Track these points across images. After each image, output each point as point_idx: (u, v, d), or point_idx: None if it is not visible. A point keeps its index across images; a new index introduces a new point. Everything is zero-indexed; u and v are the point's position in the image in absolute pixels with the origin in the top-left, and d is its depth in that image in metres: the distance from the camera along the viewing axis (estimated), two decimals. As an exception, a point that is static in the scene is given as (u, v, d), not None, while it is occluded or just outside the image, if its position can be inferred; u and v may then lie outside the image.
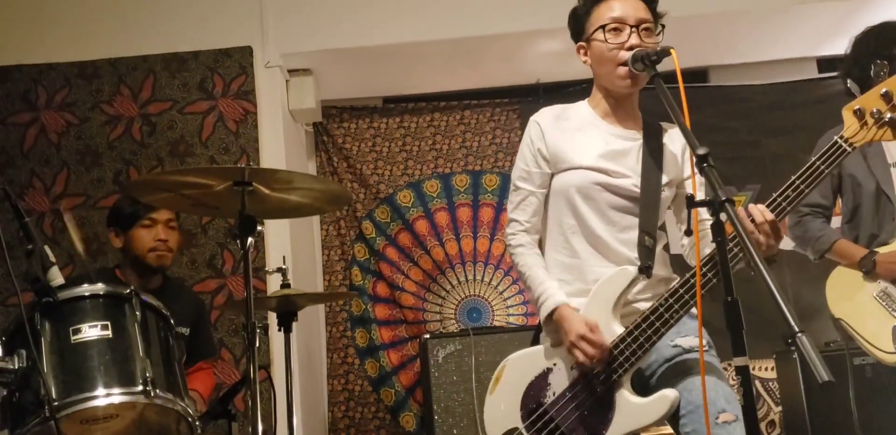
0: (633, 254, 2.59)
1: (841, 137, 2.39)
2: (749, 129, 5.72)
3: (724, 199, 2.00)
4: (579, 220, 2.62)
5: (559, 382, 2.58)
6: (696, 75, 5.96)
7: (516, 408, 2.62)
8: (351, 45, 5.20)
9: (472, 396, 4.72)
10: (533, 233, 2.70)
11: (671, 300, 2.42)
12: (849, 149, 2.39)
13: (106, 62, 4.94)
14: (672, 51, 2.39)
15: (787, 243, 5.01)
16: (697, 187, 2.30)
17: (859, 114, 2.37)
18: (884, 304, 3.40)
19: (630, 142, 2.66)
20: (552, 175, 2.68)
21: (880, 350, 3.35)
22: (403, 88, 5.97)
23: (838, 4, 5.22)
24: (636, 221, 2.60)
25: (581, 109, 2.75)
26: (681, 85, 2.26)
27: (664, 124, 2.74)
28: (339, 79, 5.61)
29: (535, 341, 2.76)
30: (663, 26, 2.64)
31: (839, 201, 3.74)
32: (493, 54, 5.54)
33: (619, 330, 2.48)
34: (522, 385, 2.63)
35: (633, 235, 2.60)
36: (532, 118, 2.75)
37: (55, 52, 4.94)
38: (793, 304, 4.33)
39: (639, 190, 2.60)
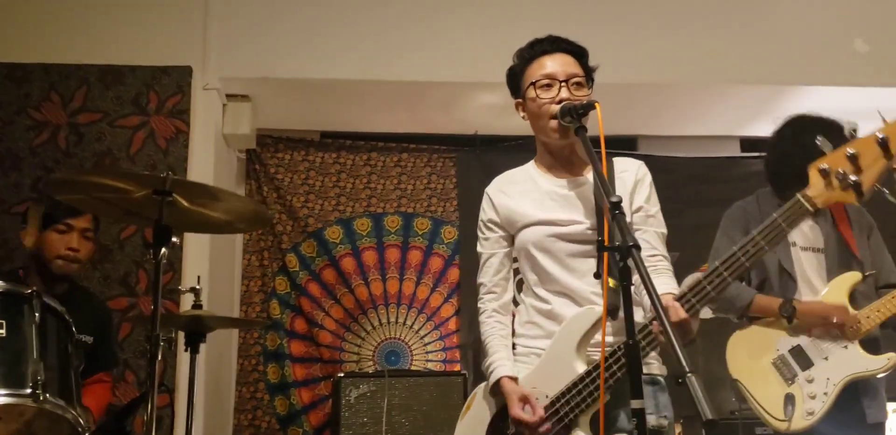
0: (599, 296, 2.58)
1: (804, 196, 2.32)
2: (671, 199, 5.72)
3: (631, 244, 2.10)
4: (542, 273, 2.67)
5: None
6: (625, 143, 6.07)
7: None
8: (291, 76, 5.18)
9: (381, 440, 4.61)
10: (499, 291, 2.78)
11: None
12: (810, 208, 2.31)
13: (38, 67, 4.81)
14: (597, 104, 2.47)
15: (704, 312, 5.10)
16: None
17: (825, 173, 2.27)
18: (780, 371, 3.48)
19: (578, 188, 2.71)
20: (512, 236, 2.75)
21: (771, 416, 3.42)
22: (342, 125, 5.95)
23: (760, 88, 5.44)
24: (595, 262, 2.61)
25: (528, 169, 2.83)
26: (601, 136, 2.35)
27: (617, 159, 2.77)
28: (277, 108, 5.57)
29: None
30: (593, 79, 2.72)
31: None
32: (432, 101, 5.58)
33: (581, 369, 2.49)
34: (488, 416, 2.67)
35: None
36: (485, 190, 2.85)
37: (-16, 51, 4.83)
38: (703, 371, 4.39)
39: (593, 233, 2.62)
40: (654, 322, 2.36)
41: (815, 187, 2.31)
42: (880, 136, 2.24)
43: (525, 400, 2.53)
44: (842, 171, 2.25)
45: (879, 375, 3.39)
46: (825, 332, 3.44)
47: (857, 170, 2.25)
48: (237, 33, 5.11)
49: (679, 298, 2.40)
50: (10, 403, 2.44)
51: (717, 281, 2.36)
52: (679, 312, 2.32)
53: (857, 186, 2.25)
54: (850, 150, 2.24)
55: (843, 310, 3.41)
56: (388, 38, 5.19)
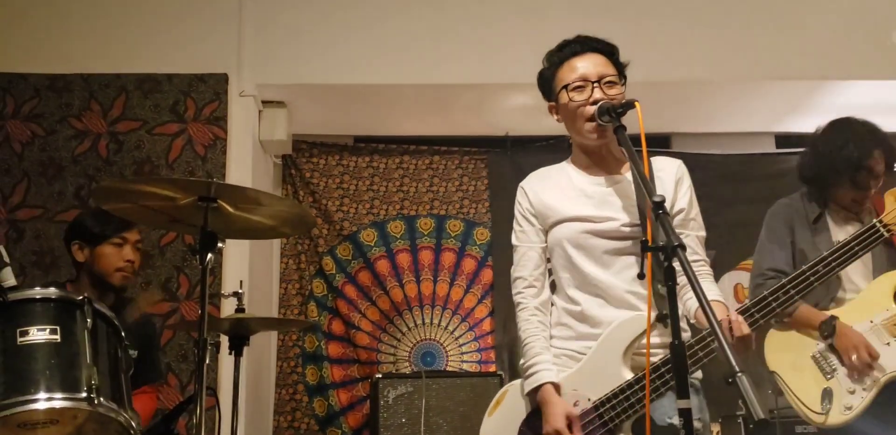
0: (634, 295, 2.59)
1: (880, 221, 2.58)
2: (706, 197, 5.70)
3: (676, 244, 2.06)
4: (575, 270, 2.66)
5: None
6: (658, 141, 6.05)
7: (512, 433, 2.64)
8: (325, 82, 5.23)
9: (420, 440, 4.65)
10: (539, 286, 2.74)
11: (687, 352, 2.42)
12: (885, 233, 2.56)
13: (78, 77, 4.89)
14: (637, 103, 2.47)
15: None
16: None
17: None
18: (820, 364, 3.44)
19: (615, 185, 2.70)
20: (546, 232, 2.74)
21: (809, 409, 3.38)
22: (374, 129, 6.00)
23: (795, 83, 5.39)
24: (631, 259, 2.61)
25: (563, 167, 2.82)
26: (642, 135, 2.35)
27: (654, 158, 2.76)
28: (312, 114, 5.62)
29: None
30: (625, 77, 2.71)
31: None
32: (463, 103, 5.61)
33: (628, 375, 2.49)
34: (522, 413, 2.64)
35: (632, 273, 2.59)
36: (520, 184, 2.84)
37: (28, 62, 4.89)
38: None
39: (629, 230, 2.61)
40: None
41: (892, 214, 2.59)
42: None
43: (570, 419, 2.49)
44: None
45: None
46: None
47: None
48: (272, 40, 5.17)
49: (743, 312, 2.44)
50: (67, 406, 2.48)
51: (783, 298, 2.47)
52: (743, 328, 2.33)
53: None
54: None
55: (873, 355, 3.32)
56: (418, 43, 5.23)
